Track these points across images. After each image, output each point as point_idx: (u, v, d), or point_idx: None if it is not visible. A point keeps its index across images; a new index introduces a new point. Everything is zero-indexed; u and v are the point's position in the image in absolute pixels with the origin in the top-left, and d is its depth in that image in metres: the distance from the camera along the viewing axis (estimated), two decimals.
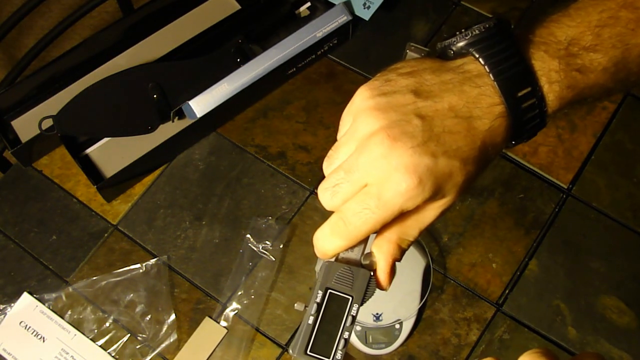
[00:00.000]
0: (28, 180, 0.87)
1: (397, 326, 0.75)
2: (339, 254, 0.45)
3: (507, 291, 0.79)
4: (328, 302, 0.44)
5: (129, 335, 0.78)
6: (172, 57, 0.88)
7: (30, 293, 0.80)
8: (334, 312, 0.44)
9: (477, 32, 0.42)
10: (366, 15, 0.90)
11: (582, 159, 0.86)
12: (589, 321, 0.78)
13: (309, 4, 0.94)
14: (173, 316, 0.79)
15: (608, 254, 0.81)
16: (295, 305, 0.45)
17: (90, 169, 0.85)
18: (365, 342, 0.75)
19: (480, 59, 0.42)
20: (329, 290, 0.44)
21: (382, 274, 0.44)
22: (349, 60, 0.92)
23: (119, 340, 0.78)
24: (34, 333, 0.78)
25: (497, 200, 0.84)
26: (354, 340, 0.75)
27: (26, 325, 0.79)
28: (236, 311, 0.79)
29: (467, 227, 0.83)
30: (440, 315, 0.79)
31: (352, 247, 0.44)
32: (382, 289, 0.45)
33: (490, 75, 0.42)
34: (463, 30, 0.43)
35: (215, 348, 0.78)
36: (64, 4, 1.76)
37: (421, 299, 0.76)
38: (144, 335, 0.78)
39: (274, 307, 0.80)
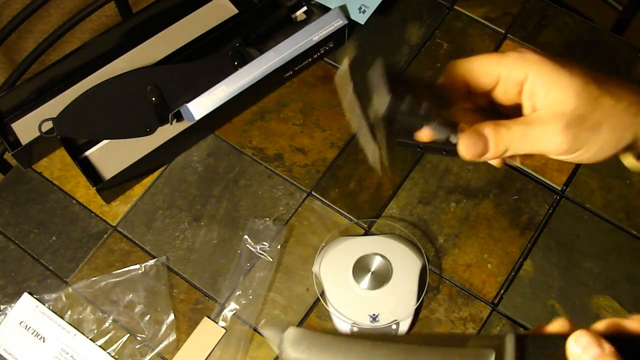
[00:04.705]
0: (28, 182, 0.87)
1: (394, 327, 0.76)
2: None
3: (502, 291, 0.80)
4: None
5: (128, 335, 0.79)
6: (170, 60, 0.88)
7: (31, 293, 0.81)
8: None
9: None
10: (361, 19, 0.91)
11: None
12: (583, 321, 0.78)
13: (305, 8, 0.95)
14: (172, 316, 0.79)
15: (601, 254, 0.82)
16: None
17: (89, 170, 0.86)
18: None
19: None
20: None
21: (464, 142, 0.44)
22: None
23: (118, 340, 0.79)
24: (34, 333, 0.79)
25: (492, 201, 0.85)
26: None
27: (26, 326, 0.79)
28: (234, 311, 0.80)
29: (463, 228, 0.83)
30: (437, 315, 0.79)
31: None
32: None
33: None
34: None
35: (214, 348, 0.78)
36: (63, 8, 1.77)
37: (417, 300, 0.77)
38: (143, 335, 0.79)
39: (272, 307, 0.80)
